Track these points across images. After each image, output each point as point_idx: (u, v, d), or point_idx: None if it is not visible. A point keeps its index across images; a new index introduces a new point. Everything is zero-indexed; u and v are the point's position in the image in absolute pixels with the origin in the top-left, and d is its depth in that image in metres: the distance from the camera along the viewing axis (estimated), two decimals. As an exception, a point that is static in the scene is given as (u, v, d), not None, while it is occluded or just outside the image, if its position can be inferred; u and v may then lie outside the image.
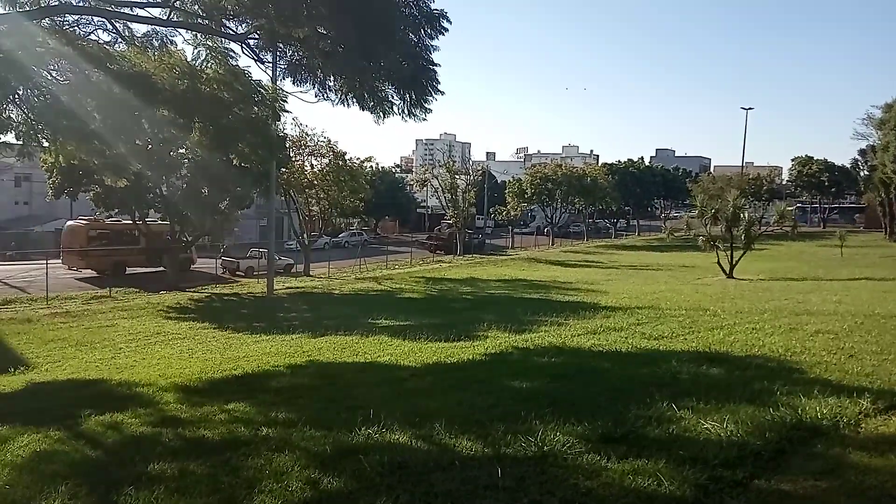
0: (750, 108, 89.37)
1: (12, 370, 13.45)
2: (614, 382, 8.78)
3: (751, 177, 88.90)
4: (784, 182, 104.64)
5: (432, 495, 5.00)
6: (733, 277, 32.42)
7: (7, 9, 10.83)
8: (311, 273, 39.26)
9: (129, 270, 35.25)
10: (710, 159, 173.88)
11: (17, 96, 12.27)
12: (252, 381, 10.32)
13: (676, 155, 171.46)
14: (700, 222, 35.85)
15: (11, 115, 12.76)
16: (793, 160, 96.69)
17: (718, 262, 33.55)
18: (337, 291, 31.56)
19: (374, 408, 7.44)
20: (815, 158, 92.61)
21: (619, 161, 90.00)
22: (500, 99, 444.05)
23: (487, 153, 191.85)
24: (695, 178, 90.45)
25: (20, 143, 13.39)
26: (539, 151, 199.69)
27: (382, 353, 12.60)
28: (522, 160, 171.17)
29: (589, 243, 71.43)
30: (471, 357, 11.43)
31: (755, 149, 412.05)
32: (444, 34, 11.33)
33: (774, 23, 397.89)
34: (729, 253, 33.69)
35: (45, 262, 30.11)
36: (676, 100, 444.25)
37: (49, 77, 11.96)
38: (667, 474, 5.16)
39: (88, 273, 34.90)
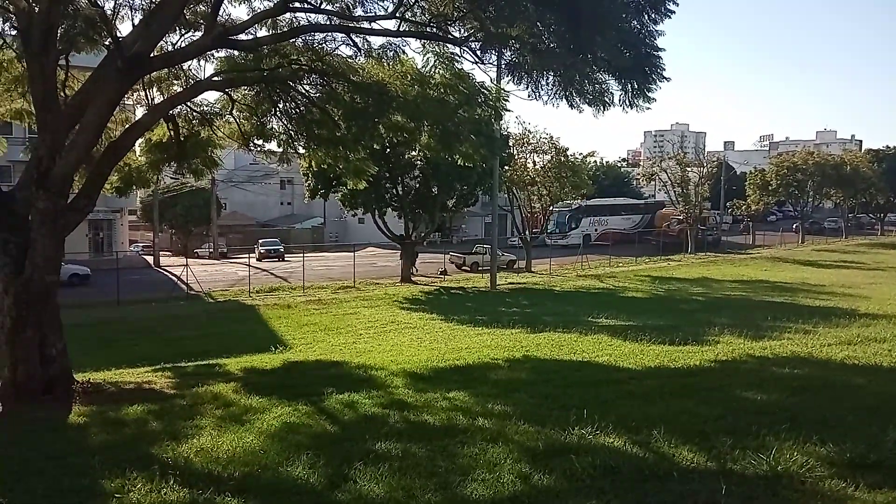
0: None
1: (273, 349, 15.49)
2: (870, 401, 7.65)
3: None
4: None
5: (645, 505, 4.75)
6: None
7: (269, 31, 12.45)
8: (532, 269, 39.69)
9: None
10: None
11: (277, 109, 14.08)
12: (472, 371, 10.70)
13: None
14: None
15: (273, 126, 14.67)
16: None
17: None
18: (557, 288, 31.52)
19: (589, 408, 7.30)
20: None
21: (888, 146, 77.28)
22: (741, 82, 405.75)
23: (725, 142, 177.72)
24: None
25: (280, 150, 15.39)
26: (787, 139, 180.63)
27: (601, 352, 12.29)
28: (767, 149, 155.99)
29: (847, 241, 62.85)
30: (698, 363, 10.69)
31: None
32: (669, 17, 10.68)
33: None
34: None
35: (302, 255, 34.32)
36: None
37: (303, 90, 13.51)
38: (935, 514, 4.34)
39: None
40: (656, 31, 10.75)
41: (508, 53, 10.66)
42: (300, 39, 12.63)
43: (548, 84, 10.43)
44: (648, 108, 11.61)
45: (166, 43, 12.48)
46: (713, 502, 4.73)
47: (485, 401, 8.31)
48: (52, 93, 10.08)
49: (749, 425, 6.59)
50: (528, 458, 5.85)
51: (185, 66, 13.56)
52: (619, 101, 11.23)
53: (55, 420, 8.03)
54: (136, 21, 11.41)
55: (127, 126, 12.78)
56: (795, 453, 5.66)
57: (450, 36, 11.25)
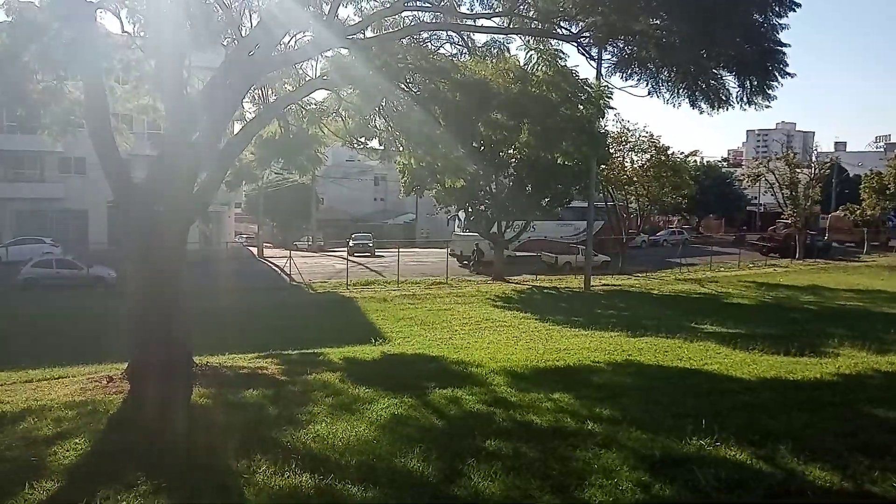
0: None
1: (373, 341, 15.82)
2: None
3: None
4: None
5: (779, 523, 4.50)
6: None
7: (375, 31, 12.68)
8: (627, 271, 38.64)
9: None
10: None
11: (381, 108, 14.33)
12: (573, 374, 10.51)
13: None
14: None
15: (376, 124, 14.96)
16: None
17: None
18: (655, 291, 30.53)
19: (705, 418, 7.00)
20: None
21: None
22: (855, 78, 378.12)
23: (836, 143, 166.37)
24: None
25: (382, 147, 15.67)
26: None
27: (709, 360, 11.78)
28: (883, 150, 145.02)
29: (979, 250, 57.48)
30: (818, 376, 10.06)
31: None
32: (794, 10, 10.10)
33: None
34: None
35: (397, 250, 34.93)
36: None
37: (406, 88, 13.69)
38: None
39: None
40: (780, 24, 10.20)
41: (627, 48, 10.32)
42: (407, 38, 12.80)
43: (669, 80, 10.05)
44: (769, 106, 11.03)
45: (280, 44, 12.97)
46: (855, 526, 4.42)
47: (591, 404, 8.15)
48: (179, 90, 10.68)
49: (886, 444, 6.14)
50: (645, 466, 5.68)
51: (296, 65, 14.04)
52: (737, 98, 10.70)
53: (179, 400, 8.50)
54: (256, 21, 11.91)
55: (244, 124, 13.38)
56: (944, 480, 5.22)
57: (562, 32, 11.08)
